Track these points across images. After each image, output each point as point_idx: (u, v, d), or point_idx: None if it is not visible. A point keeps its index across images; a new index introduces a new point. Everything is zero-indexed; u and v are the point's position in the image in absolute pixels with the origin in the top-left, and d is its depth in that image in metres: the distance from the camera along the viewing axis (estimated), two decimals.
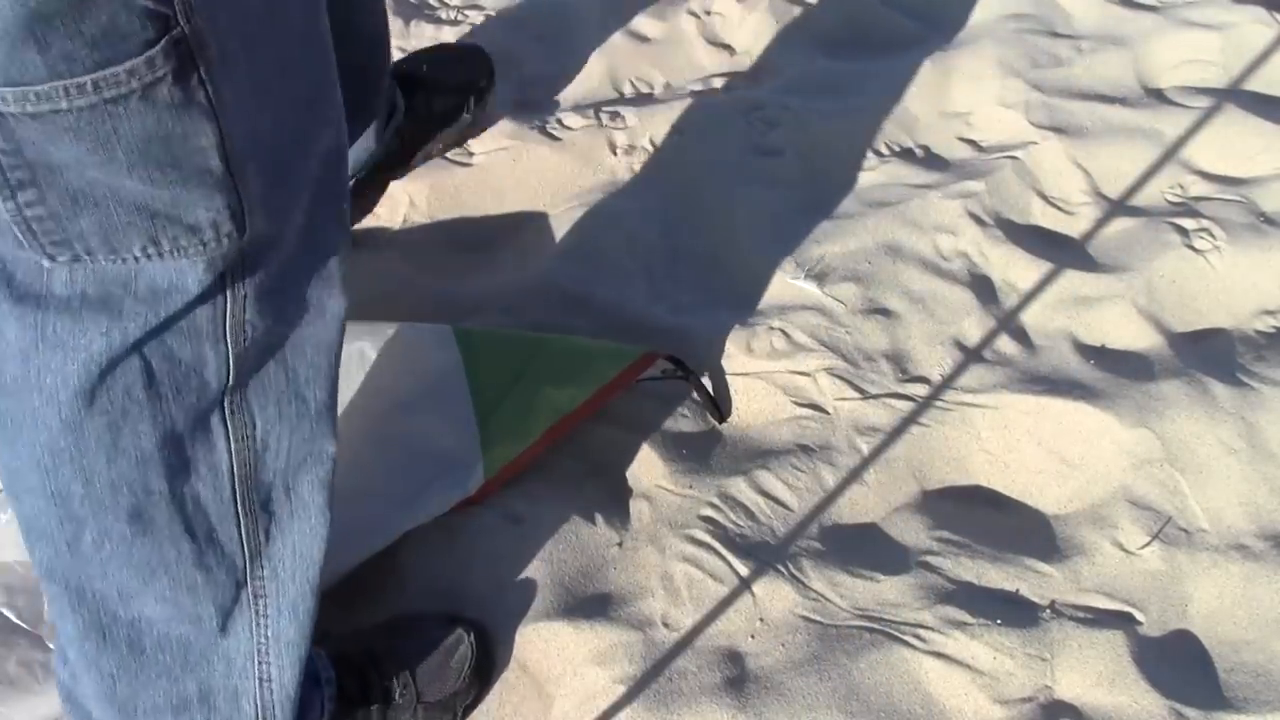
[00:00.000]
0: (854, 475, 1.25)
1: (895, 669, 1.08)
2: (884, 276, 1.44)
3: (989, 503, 1.25)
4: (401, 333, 1.24)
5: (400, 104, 1.46)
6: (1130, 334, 1.38)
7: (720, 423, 1.30)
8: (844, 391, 1.31)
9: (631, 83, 1.75)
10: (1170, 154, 1.60)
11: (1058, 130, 1.62)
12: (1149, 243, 1.47)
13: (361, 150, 1.41)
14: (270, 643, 0.86)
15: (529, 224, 1.53)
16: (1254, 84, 1.71)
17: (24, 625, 1.04)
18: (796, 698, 1.06)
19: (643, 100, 1.70)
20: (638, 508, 1.22)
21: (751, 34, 1.82)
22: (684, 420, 1.30)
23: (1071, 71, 1.73)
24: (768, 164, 1.60)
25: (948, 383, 1.32)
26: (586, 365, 1.24)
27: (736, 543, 1.18)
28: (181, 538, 0.79)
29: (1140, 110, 1.66)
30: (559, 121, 1.66)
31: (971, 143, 1.64)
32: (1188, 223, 1.49)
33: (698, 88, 1.73)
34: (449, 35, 1.81)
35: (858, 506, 1.23)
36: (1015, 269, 1.45)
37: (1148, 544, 1.18)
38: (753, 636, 1.11)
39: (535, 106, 1.69)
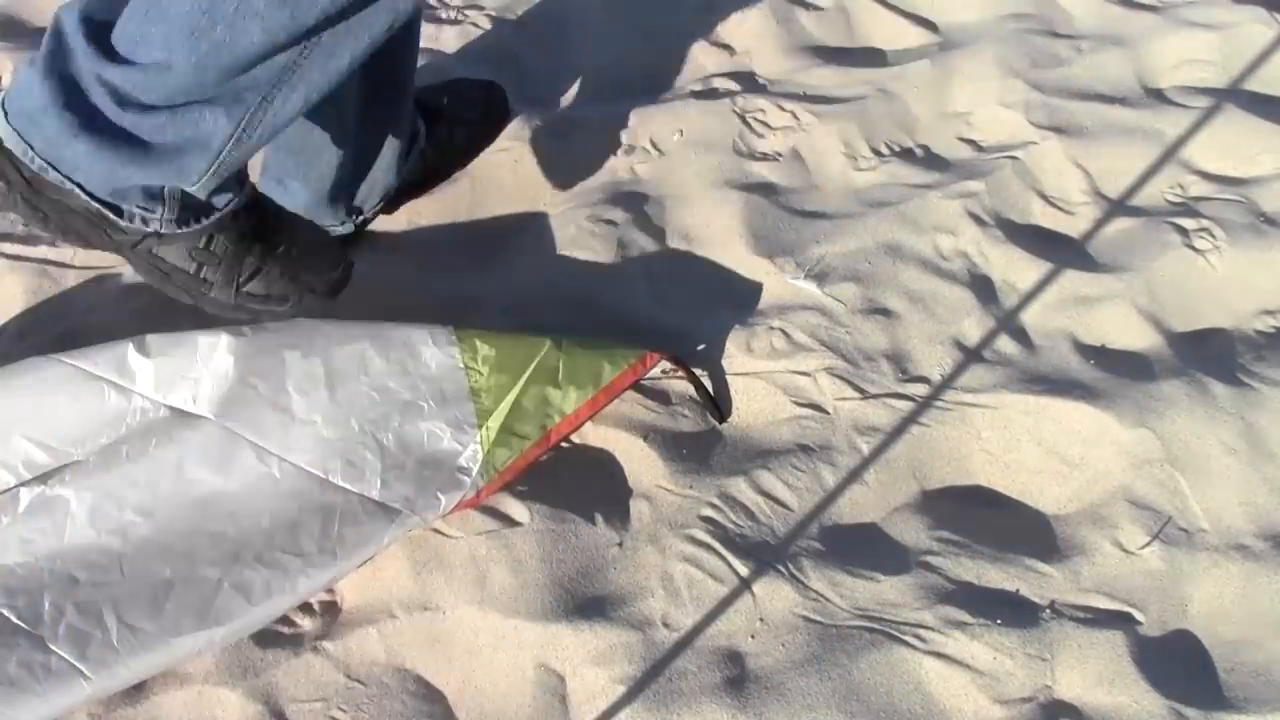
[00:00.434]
0: (854, 475, 1.25)
1: (895, 669, 1.08)
2: (884, 276, 1.44)
3: (989, 503, 1.25)
4: (402, 333, 1.24)
5: (422, 129, 1.47)
6: (1130, 334, 1.38)
7: (720, 423, 1.30)
8: (844, 391, 1.31)
9: (632, 83, 1.75)
10: (1170, 154, 1.60)
11: (1058, 130, 1.63)
12: (1149, 243, 1.47)
13: (385, 178, 1.43)
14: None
15: (529, 224, 1.53)
16: (1254, 84, 1.72)
17: (24, 625, 1.04)
18: (796, 698, 1.06)
19: (643, 100, 1.70)
20: (638, 508, 1.22)
21: (751, 34, 1.82)
22: (684, 420, 1.30)
23: (1071, 71, 1.73)
24: (768, 164, 1.60)
25: (948, 383, 1.32)
26: (587, 366, 1.24)
27: (736, 543, 1.18)
28: None
29: (1140, 110, 1.66)
30: (560, 122, 1.67)
31: (971, 143, 1.64)
32: (1188, 223, 1.49)
33: (698, 88, 1.73)
34: (449, 35, 1.81)
35: (858, 506, 1.23)
36: (1015, 269, 1.45)
37: (1148, 544, 1.18)
38: (753, 636, 1.11)
39: (536, 107, 1.69)
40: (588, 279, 1.45)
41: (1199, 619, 1.14)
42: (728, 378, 1.34)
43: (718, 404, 1.30)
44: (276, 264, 1.18)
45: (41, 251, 1.47)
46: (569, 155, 1.61)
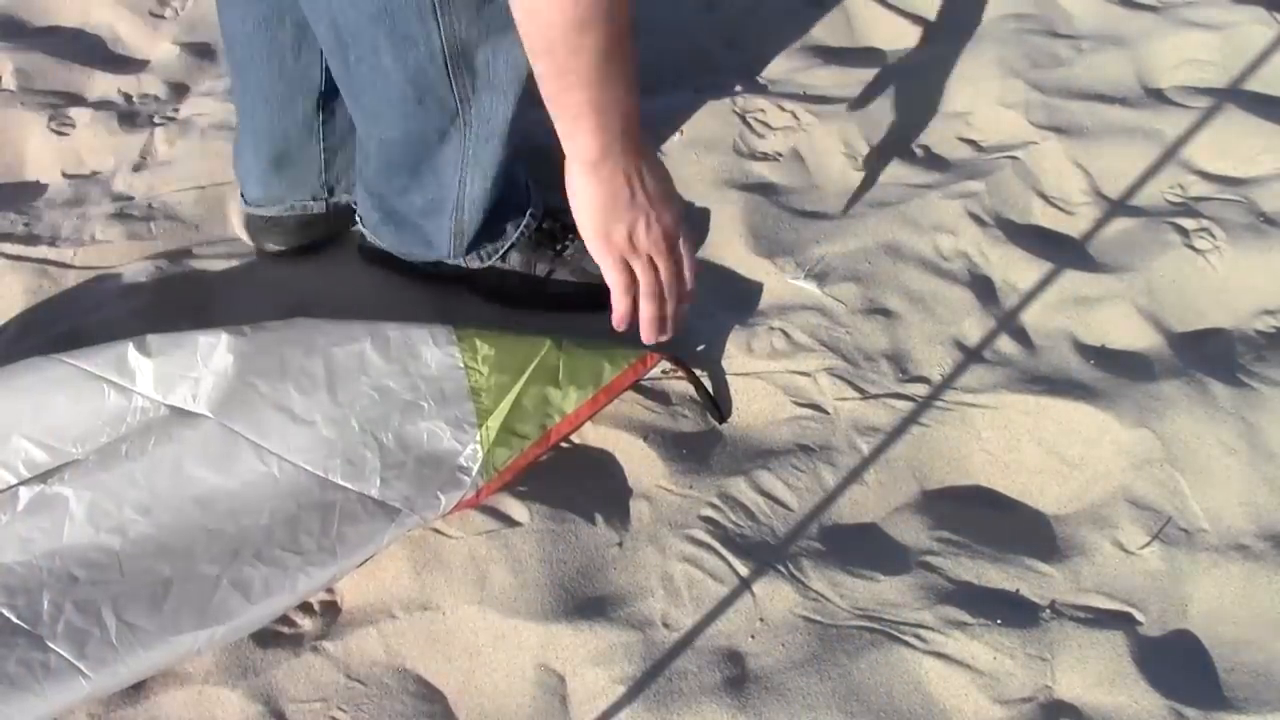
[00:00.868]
0: (854, 475, 1.25)
1: (895, 669, 1.08)
2: (884, 276, 1.44)
3: (989, 503, 1.25)
4: (402, 332, 1.24)
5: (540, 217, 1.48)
6: (1130, 334, 1.38)
7: (720, 423, 1.30)
8: (844, 391, 1.31)
9: None
10: (1170, 154, 1.60)
11: (1058, 130, 1.63)
12: (1149, 243, 1.47)
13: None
14: (470, 160, 1.26)
15: None
16: (1254, 84, 1.72)
17: (24, 625, 1.04)
18: (796, 698, 1.06)
19: (642, 100, 1.69)
20: (638, 508, 1.22)
21: (752, 34, 1.82)
22: (684, 420, 1.30)
23: (1071, 71, 1.73)
24: (767, 164, 1.60)
25: (948, 383, 1.32)
26: (587, 365, 1.24)
27: (736, 543, 1.18)
28: (407, 85, 1.16)
29: (1140, 110, 1.66)
30: None
31: (971, 143, 1.64)
32: (1188, 223, 1.49)
33: (698, 88, 1.73)
34: None
35: (858, 506, 1.23)
36: (1015, 269, 1.45)
37: (1148, 544, 1.18)
38: (753, 636, 1.11)
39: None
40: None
41: (1199, 619, 1.14)
42: (728, 378, 1.34)
43: (718, 404, 1.30)
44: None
45: (41, 251, 1.47)
46: None
